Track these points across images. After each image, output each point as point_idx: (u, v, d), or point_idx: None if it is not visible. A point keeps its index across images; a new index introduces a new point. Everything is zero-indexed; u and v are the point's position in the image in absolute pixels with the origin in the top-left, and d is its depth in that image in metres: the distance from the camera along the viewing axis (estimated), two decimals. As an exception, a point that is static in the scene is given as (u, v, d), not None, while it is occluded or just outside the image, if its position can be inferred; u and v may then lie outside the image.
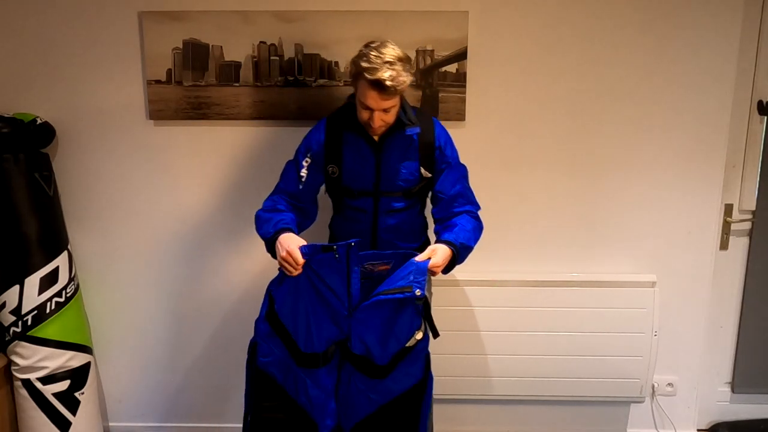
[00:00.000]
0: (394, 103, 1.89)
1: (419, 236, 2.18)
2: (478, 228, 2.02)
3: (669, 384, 2.63)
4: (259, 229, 1.98)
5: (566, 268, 2.51)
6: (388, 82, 1.81)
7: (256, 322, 2.00)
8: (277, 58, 2.35)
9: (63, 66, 2.39)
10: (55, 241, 2.39)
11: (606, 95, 2.38)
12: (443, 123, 2.37)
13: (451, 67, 2.34)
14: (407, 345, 1.91)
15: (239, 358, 2.67)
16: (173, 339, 2.64)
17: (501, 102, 2.40)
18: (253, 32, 2.33)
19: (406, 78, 1.86)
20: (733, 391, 2.73)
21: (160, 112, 2.41)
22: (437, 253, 1.88)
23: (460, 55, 2.33)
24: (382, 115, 1.90)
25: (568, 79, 2.37)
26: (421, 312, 1.91)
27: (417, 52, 2.32)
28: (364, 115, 1.92)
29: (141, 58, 2.38)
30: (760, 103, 2.45)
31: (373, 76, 1.81)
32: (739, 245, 2.60)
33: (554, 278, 2.46)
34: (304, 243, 1.87)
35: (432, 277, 1.98)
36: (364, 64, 1.83)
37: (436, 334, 1.95)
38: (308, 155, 2.04)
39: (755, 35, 2.40)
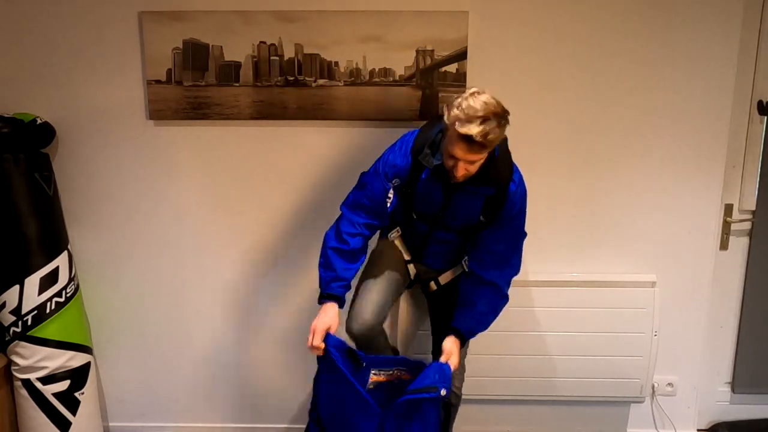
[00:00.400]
0: (481, 157, 1.82)
1: (459, 259, 2.13)
2: (495, 309, 2.04)
3: (669, 384, 2.63)
4: (321, 266, 2.03)
5: (566, 268, 2.51)
6: (477, 138, 1.72)
7: (309, 411, 2.11)
8: (277, 58, 2.35)
9: (63, 66, 2.39)
10: (55, 241, 2.39)
11: (606, 95, 2.38)
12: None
13: (451, 67, 2.34)
14: None
15: (239, 358, 2.68)
16: (173, 339, 2.64)
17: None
18: (253, 32, 2.33)
19: (497, 135, 1.76)
20: (733, 391, 2.73)
21: (160, 112, 2.41)
22: (453, 354, 1.96)
23: (460, 55, 2.32)
24: (467, 165, 1.82)
25: (568, 78, 2.37)
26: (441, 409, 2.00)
27: (417, 52, 2.32)
28: (449, 162, 1.85)
29: (141, 58, 2.38)
30: (760, 103, 2.45)
31: (462, 129, 1.73)
32: (739, 245, 2.60)
33: (554, 278, 2.46)
34: (338, 322, 1.96)
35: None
36: (458, 113, 1.74)
37: None
38: (395, 179, 1.99)
39: (755, 35, 2.40)
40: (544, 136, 2.42)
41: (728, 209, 2.55)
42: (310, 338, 1.92)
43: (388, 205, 2.00)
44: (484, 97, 1.77)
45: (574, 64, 2.36)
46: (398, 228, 2.14)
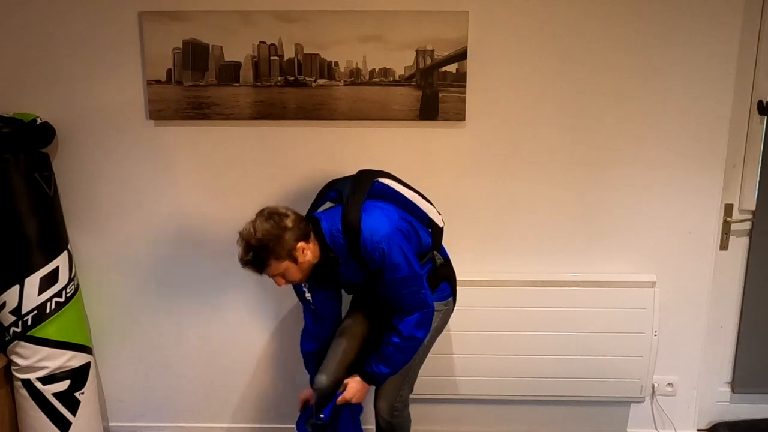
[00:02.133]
0: (275, 271, 1.94)
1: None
2: (401, 348, 2.03)
3: (669, 384, 2.63)
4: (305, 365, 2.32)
5: (566, 268, 2.51)
6: (242, 264, 1.94)
7: None
8: (277, 58, 2.35)
9: (63, 66, 2.39)
10: (55, 241, 2.39)
11: (606, 95, 2.38)
12: (443, 123, 2.38)
13: (451, 67, 2.34)
14: None
15: (239, 358, 2.68)
16: (173, 339, 2.64)
17: (501, 102, 2.40)
18: (253, 32, 2.33)
19: (250, 256, 1.91)
20: (733, 391, 2.73)
21: (160, 112, 2.41)
22: (348, 387, 2.08)
23: (460, 55, 2.32)
24: (278, 279, 1.98)
25: (567, 79, 2.37)
26: None
27: (417, 52, 2.32)
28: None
29: (141, 58, 2.38)
30: (760, 103, 2.45)
31: (239, 256, 1.94)
32: (739, 245, 2.60)
33: (554, 278, 2.46)
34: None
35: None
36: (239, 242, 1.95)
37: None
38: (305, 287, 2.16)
39: (755, 35, 2.39)
40: (543, 136, 2.42)
41: (728, 209, 2.55)
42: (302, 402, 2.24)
43: (310, 299, 2.17)
44: (249, 225, 1.93)
45: (574, 64, 2.36)
46: None
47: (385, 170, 2.16)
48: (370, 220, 1.97)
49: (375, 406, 2.21)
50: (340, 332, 2.22)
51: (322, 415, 2.08)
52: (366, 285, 2.10)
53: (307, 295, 2.15)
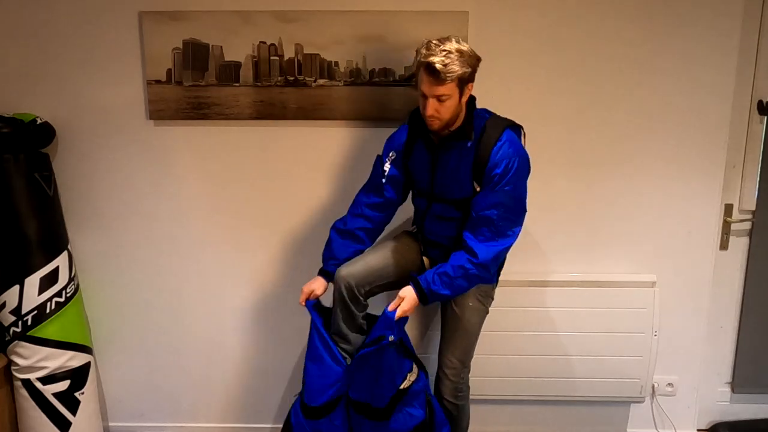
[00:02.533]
0: (447, 91, 1.87)
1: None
2: (467, 276, 1.96)
3: (669, 384, 2.63)
4: (325, 244, 2.20)
5: (566, 268, 2.51)
6: (438, 65, 1.82)
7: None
8: (277, 58, 2.35)
9: (63, 66, 2.39)
10: (55, 241, 2.39)
11: (606, 95, 2.38)
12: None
13: (451, 67, 2.33)
14: (402, 387, 2.07)
15: (239, 357, 2.68)
16: (173, 339, 2.64)
17: (501, 102, 2.39)
18: (253, 32, 2.33)
19: (458, 68, 1.84)
20: (733, 391, 2.73)
21: (160, 112, 2.41)
22: (405, 300, 1.99)
23: (460, 55, 2.32)
24: (435, 104, 1.89)
25: (567, 79, 2.37)
26: (404, 353, 2.07)
27: (417, 51, 2.31)
28: (421, 104, 1.94)
29: (141, 58, 2.38)
30: (760, 103, 2.45)
31: (425, 58, 1.84)
32: (739, 245, 2.60)
33: (554, 278, 2.46)
34: (323, 291, 2.16)
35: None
36: (423, 50, 1.87)
37: (425, 373, 2.15)
38: (391, 152, 2.12)
39: (755, 35, 2.40)
40: (544, 136, 2.42)
41: (728, 209, 2.55)
42: (302, 294, 2.16)
43: (384, 175, 2.10)
44: (451, 40, 1.88)
45: (575, 64, 2.36)
46: (414, 226, 2.21)
47: None
48: (513, 137, 1.99)
49: (438, 390, 2.22)
50: (384, 245, 2.17)
51: (392, 337, 1.97)
52: (444, 211, 2.06)
53: (387, 165, 2.10)
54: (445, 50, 1.84)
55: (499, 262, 2.06)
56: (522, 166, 1.96)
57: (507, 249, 2.01)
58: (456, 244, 2.04)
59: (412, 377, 2.09)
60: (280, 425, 2.70)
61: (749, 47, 2.40)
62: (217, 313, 2.62)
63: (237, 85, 2.37)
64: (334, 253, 2.15)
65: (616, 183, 2.45)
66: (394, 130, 2.22)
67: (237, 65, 2.36)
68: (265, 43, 2.34)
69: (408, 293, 1.99)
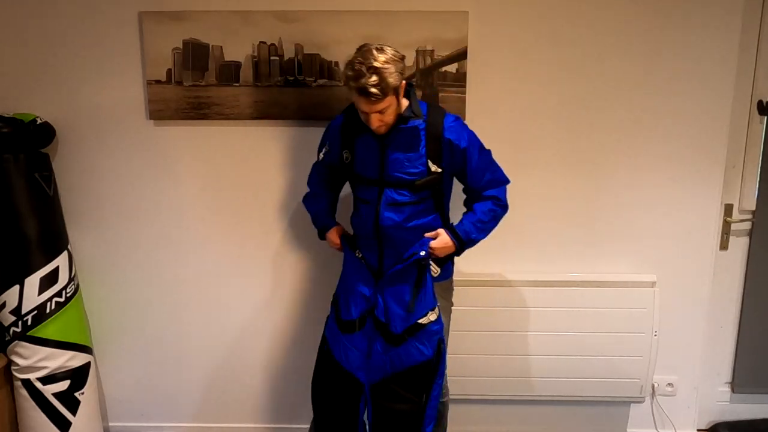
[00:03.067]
0: (385, 105, 1.91)
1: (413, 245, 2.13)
2: (496, 216, 2.13)
3: (669, 384, 2.63)
4: (311, 217, 2.30)
5: (566, 268, 2.51)
6: (371, 89, 1.84)
7: None
8: (277, 58, 2.35)
9: (63, 66, 2.39)
10: (55, 241, 2.39)
11: (606, 95, 2.38)
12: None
13: (451, 67, 2.34)
14: (419, 321, 2.07)
15: (239, 357, 2.68)
16: (173, 339, 2.64)
17: (501, 102, 2.40)
18: (253, 32, 2.33)
19: (392, 80, 1.87)
20: (733, 391, 2.73)
21: (160, 112, 2.41)
22: (440, 236, 2.08)
23: (460, 55, 2.32)
24: (378, 116, 1.94)
25: (567, 79, 2.37)
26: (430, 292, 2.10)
27: (417, 52, 2.32)
28: (362, 117, 1.99)
29: (141, 58, 2.38)
30: (760, 103, 2.45)
31: (356, 84, 1.86)
32: (739, 245, 2.60)
33: (554, 278, 2.46)
34: (341, 231, 2.23)
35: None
36: (349, 73, 1.88)
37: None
38: (326, 143, 2.18)
39: (755, 35, 2.40)
40: (543, 136, 2.42)
41: (728, 209, 2.55)
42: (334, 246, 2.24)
43: (321, 157, 2.19)
44: (372, 51, 1.88)
45: (574, 65, 2.36)
46: (358, 250, 2.17)
47: None
48: (453, 116, 2.09)
49: None
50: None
51: (423, 252, 2.04)
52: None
53: (321, 155, 2.18)
54: (373, 68, 1.84)
55: None
56: (473, 134, 2.10)
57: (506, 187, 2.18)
58: (411, 234, 2.09)
59: (432, 316, 2.09)
60: (281, 425, 2.72)
61: (749, 47, 2.40)
62: (217, 313, 2.62)
63: (237, 85, 2.37)
64: (317, 212, 2.26)
65: (616, 183, 2.45)
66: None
67: (237, 65, 2.36)
68: (265, 43, 2.34)
69: (442, 234, 2.08)
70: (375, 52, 1.88)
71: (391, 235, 2.09)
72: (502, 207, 2.13)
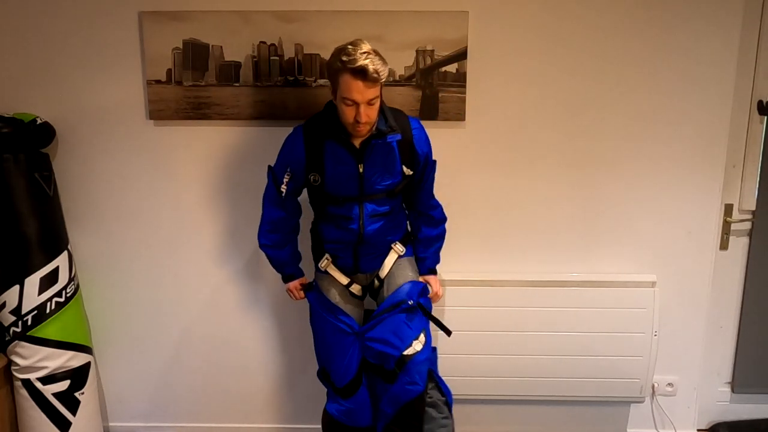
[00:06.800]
0: (377, 93, 1.93)
1: (401, 229, 2.24)
2: (444, 232, 2.28)
3: (669, 384, 2.64)
4: (273, 267, 2.29)
5: (566, 268, 2.51)
6: (370, 67, 1.85)
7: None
8: (277, 58, 2.35)
9: (63, 66, 2.40)
10: (55, 241, 2.39)
11: (606, 96, 2.38)
12: (443, 123, 2.38)
13: (451, 67, 2.34)
14: (405, 353, 2.08)
15: (239, 357, 2.68)
16: (173, 339, 2.64)
17: (501, 102, 2.40)
18: (253, 32, 2.33)
19: (383, 67, 1.91)
20: (733, 391, 2.73)
21: (160, 112, 2.41)
22: (434, 284, 2.25)
23: (460, 55, 2.32)
24: (367, 109, 1.92)
25: (567, 79, 2.37)
26: (419, 317, 2.12)
27: (417, 52, 2.32)
28: (349, 113, 1.93)
29: (141, 58, 2.38)
30: (760, 103, 2.45)
31: (354, 65, 1.86)
32: (739, 245, 2.60)
33: (554, 278, 2.46)
34: (303, 282, 2.28)
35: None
36: (344, 57, 1.88)
37: (448, 333, 2.19)
38: (287, 170, 2.10)
39: (755, 35, 2.40)
40: (543, 136, 2.42)
41: (728, 209, 2.55)
42: (293, 297, 2.29)
43: (284, 191, 2.12)
44: (361, 42, 1.92)
45: (574, 64, 2.36)
46: (326, 256, 2.20)
47: None
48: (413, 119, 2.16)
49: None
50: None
51: (410, 302, 2.09)
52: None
53: (283, 187, 2.11)
54: (364, 52, 1.87)
55: None
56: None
57: None
58: (390, 231, 2.17)
59: (417, 346, 2.09)
60: (281, 425, 2.72)
61: (749, 47, 2.40)
62: (217, 312, 2.62)
63: (237, 85, 2.37)
64: (283, 261, 2.26)
65: (616, 183, 2.45)
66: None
67: (237, 65, 2.36)
68: (265, 43, 2.34)
69: (431, 279, 2.25)
70: (363, 43, 1.92)
71: (373, 240, 2.14)
72: (443, 221, 2.25)
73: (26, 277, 2.33)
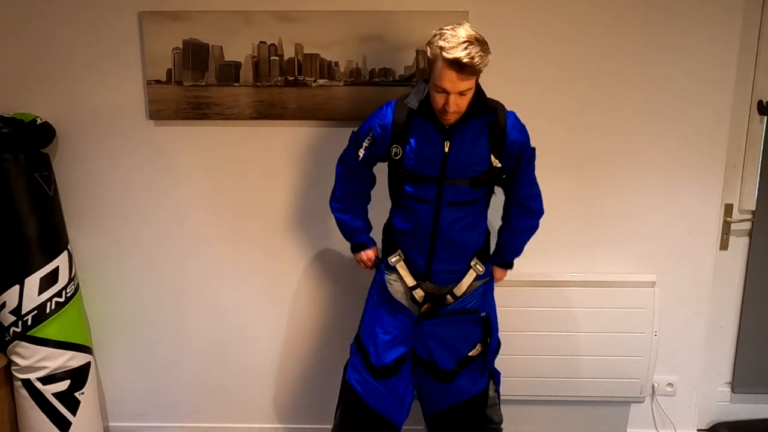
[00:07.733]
0: (470, 85, 1.83)
1: (480, 237, 2.10)
2: (534, 228, 2.14)
3: (669, 384, 2.64)
4: (342, 233, 2.21)
5: (566, 268, 2.51)
6: (465, 60, 1.75)
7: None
8: (277, 58, 2.35)
9: (63, 66, 2.39)
10: (55, 241, 2.39)
11: (606, 95, 2.38)
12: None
13: (451, 67, 2.33)
14: (470, 354, 2.08)
15: (239, 357, 2.68)
16: (173, 339, 2.64)
17: (501, 101, 2.39)
18: (253, 32, 2.33)
19: (482, 58, 1.80)
20: (733, 391, 2.73)
21: (160, 112, 2.41)
22: (499, 274, 2.19)
23: (460, 55, 2.32)
24: (457, 99, 1.83)
25: (568, 78, 2.37)
26: (481, 326, 2.10)
27: (417, 52, 2.32)
28: (439, 100, 1.85)
29: (141, 58, 2.38)
30: (760, 103, 2.45)
31: (450, 54, 1.76)
32: (739, 245, 2.60)
33: (554, 278, 2.46)
34: (374, 253, 2.20)
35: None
36: (442, 44, 1.78)
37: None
38: (369, 135, 2.01)
39: (755, 35, 2.40)
40: (543, 136, 2.41)
41: (728, 209, 2.55)
42: (364, 266, 2.22)
43: (360, 156, 2.03)
44: (463, 27, 1.82)
45: (574, 64, 2.36)
46: (398, 252, 2.09)
47: None
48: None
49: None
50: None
51: (483, 314, 2.07)
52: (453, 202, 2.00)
53: (361, 151, 2.02)
54: (464, 42, 1.76)
55: None
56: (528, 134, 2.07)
57: None
58: (469, 234, 2.04)
59: (481, 347, 2.08)
60: (281, 425, 2.71)
61: (749, 47, 2.40)
62: (217, 312, 2.62)
63: (237, 85, 2.37)
64: (352, 227, 2.16)
65: (616, 182, 2.45)
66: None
67: (237, 65, 2.36)
68: (265, 43, 2.34)
69: (497, 270, 2.17)
70: (464, 28, 1.81)
71: (448, 235, 2.00)
72: (537, 215, 2.12)
73: (26, 277, 2.33)
